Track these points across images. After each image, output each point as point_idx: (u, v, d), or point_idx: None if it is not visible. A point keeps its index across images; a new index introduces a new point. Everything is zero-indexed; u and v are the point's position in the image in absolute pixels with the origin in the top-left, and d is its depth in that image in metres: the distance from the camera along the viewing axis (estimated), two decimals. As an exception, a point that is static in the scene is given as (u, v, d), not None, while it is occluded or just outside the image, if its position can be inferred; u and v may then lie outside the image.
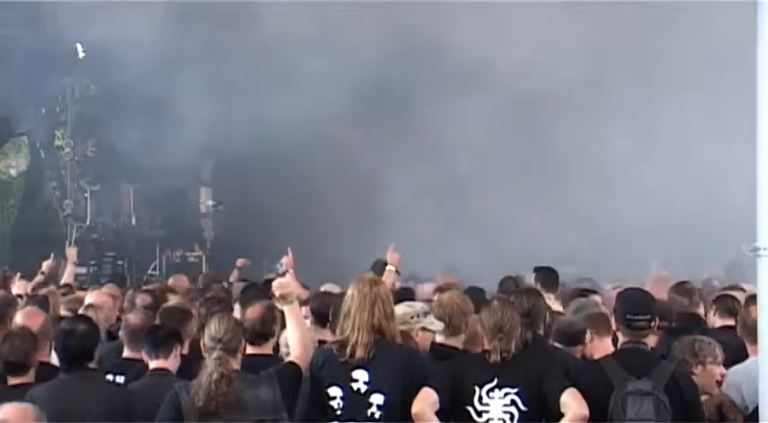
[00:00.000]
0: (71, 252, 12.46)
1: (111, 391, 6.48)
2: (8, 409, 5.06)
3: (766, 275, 5.35)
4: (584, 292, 9.50)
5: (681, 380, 6.26)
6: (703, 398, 6.53)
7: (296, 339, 6.39)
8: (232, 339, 6.06)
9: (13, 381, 6.52)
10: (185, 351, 7.04)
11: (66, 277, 11.86)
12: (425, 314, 6.98)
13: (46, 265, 11.92)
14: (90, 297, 9.09)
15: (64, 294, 10.12)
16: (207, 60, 17.42)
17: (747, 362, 7.01)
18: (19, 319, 7.32)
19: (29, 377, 6.51)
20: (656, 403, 6.04)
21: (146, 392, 6.37)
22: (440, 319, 6.99)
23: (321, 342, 7.01)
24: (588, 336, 7.40)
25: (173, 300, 9.14)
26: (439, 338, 7.00)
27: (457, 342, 7.02)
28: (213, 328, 6.09)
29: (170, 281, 12.26)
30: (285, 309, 6.50)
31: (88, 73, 19.39)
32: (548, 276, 10.42)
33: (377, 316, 6.26)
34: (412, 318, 6.93)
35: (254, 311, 7.03)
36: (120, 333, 7.63)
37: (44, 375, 6.54)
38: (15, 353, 6.51)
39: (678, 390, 6.16)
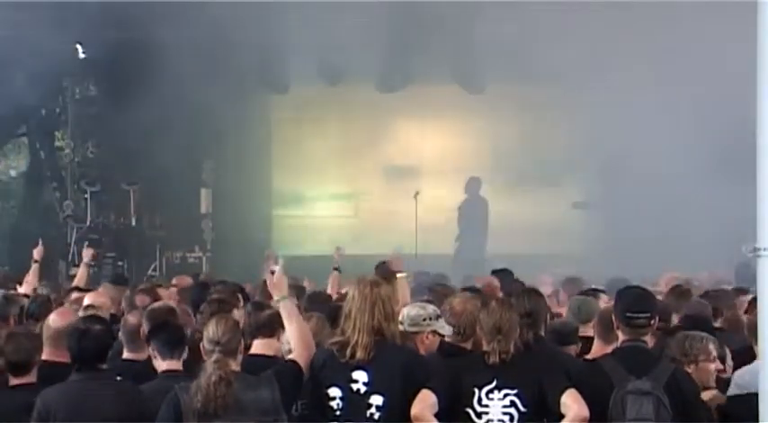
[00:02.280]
0: (87, 252, 12.24)
1: (122, 390, 6.43)
2: None
3: (766, 276, 5.33)
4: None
5: (681, 379, 6.23)
6: (704, 394, 6.52)
7: (295, 337, 6.36)
8: (231, 341, 6.04)
9: (14, 381, 6.52)
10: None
11: (78, 279, 11.59)
12: (437, 317, 6.94)
13: (37, 252, 11.69)
14: (88, 298, 9.05)
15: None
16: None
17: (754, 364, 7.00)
18: (51, 318, 7.27)
19: (31, 377, 6.51)
20: (655, 403, 6.01)
21: (157, 396, 6.23)
22: (453, 327, 6.93)
23: None
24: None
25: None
26: (449, 338, 6.98)
27: (467, 344, 7.00)
28: (211, 330, 6.08)
29: (174, 281, 12.22)
30: (279, 306, 6.47)
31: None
32: (504, 278, 10.61)
33: (377, 317, 6.26)
34: (424, 320, 6.88)
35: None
36: (120, 334, 7.62)
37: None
38: (19, 353, 6.51)
39: (678, 389, 6.13)
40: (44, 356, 6.96)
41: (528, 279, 10.81)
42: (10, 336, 6.68)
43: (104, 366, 6.40)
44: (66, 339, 6.52)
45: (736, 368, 7.13)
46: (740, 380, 6.83)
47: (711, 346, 6.81)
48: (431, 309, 6.99)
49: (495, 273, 10.90)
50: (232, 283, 10.37)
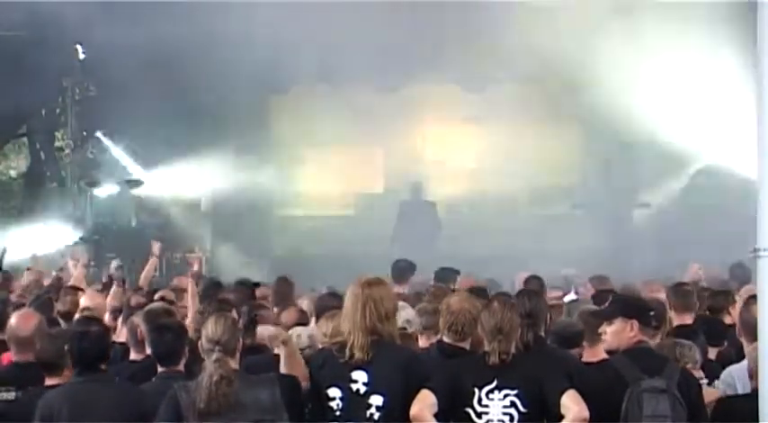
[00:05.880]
0: (80, 250, 12.15)
1: (123, 392, 6.44)
2: None
3: (766, 276, 5.34)
4: None
5: (689, 379, 6.31)
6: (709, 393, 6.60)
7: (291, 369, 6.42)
8: (230, 340, 6.05)
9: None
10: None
11: (75, 279, 11.43)
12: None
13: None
14: (85, 300, 9.04)
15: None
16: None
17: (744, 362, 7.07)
18: (13, 320, 7.25)
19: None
20: (671, 400, 6.07)
21: (155, 396, 6.23)
22: (451, 325, 6.92)
23: None
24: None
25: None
26: (447, 338, 6.98)
27: (465, 343, 6.99)
28: (210, 329, 6.08)
29: (174, 282, 12.20)
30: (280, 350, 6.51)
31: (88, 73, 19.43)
32: (450, 276, 10.72)
33: (368, 317, 6.25)
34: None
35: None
36: (126, 336, 7.62)
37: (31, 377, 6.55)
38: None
39: (687, 388, 6.20)
40: (13, 358, 7.00)
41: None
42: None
43: (104, 367, 6.40)
44: (30, 340, 6.58)
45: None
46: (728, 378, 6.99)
47: (697, 355, 6.93)
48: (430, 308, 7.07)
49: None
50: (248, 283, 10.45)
